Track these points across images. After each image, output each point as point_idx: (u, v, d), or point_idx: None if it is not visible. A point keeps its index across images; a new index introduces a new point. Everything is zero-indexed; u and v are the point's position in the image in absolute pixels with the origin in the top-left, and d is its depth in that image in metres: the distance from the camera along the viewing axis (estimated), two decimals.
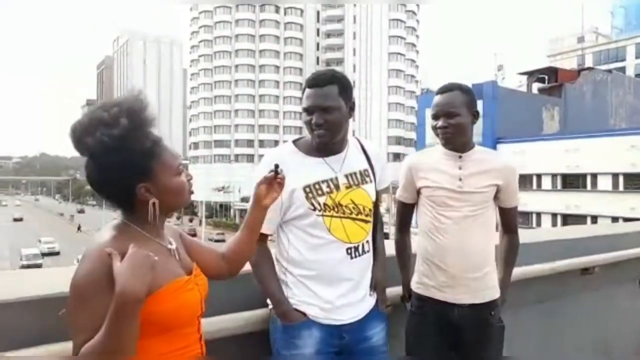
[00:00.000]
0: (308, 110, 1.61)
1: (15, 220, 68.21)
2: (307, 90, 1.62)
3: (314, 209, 1.59)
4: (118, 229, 1.14)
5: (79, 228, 56.48)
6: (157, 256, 1.08)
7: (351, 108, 1.64)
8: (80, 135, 1.10)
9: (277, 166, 1.39)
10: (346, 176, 1.66)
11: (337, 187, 1.63)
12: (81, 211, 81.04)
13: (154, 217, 1.14)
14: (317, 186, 1.61)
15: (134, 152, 1.10)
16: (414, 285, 1.91)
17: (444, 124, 1.80)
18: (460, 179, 1.81)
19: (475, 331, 1.80)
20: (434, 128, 1.84)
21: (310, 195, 1.60)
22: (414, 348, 1.87)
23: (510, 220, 1.97)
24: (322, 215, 1.60)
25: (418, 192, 1.91)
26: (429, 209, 1.86)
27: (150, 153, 1.13)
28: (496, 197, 1.87)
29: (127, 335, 0.99)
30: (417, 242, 1.93)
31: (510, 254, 1.98)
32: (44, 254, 36.62)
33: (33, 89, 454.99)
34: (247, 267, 1.62)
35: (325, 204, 1.60)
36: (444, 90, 1.84)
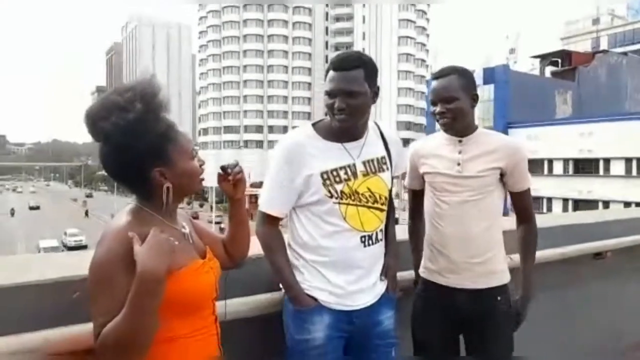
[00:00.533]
0: (331, 94, 1.55)
1: (32, 208, 64.81)
2: (332, 73, 1.55)
3: (331, 197, 1.57)
4: (133, 213, 1.15)
5: (86, 213, 57.24)
6: (173, 238, 1.11)
7: (375, 93, 1.59)
8: (95, 119, 1.10)
9: (224, 168, 1.35)
10: (364, 163, 1.63)
11: (355, 174, 1.60)
12: (89, 195, 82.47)
13: (167, 201, 1.15)
14: (334, 173, 1.58)
15: (150, 135, 1.10)
16: (420, 270, 1.91)
17: (442, 110, 1.77)
18: (459, 164, 1.78)
19: (480, 317, 1.78)
20: (433, 114, 1.82)
21: (327, 182, 1.57)
22: (419, 331, 1.87)
23: (523, 206, 1.89)
24: (339, 203, 1.57)
25: (423, 179, 1.89)
26: (430, 195, 1.85)
27: (165, 137, 1.13)
28: (503, 181, 1.82)
29: (148, 314, 1.01)
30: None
31: (526, 246, 1.89)
32: (70, 248, 33.86)
33: (44, 75, 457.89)
34: (260, 250, 1.63)
35: (342, 192, 1.58)
36: (440, 74, 1.80)
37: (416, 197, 1.97)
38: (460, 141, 1.81)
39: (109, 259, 1.03)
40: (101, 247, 1.06)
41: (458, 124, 1.79)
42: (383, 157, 1.69)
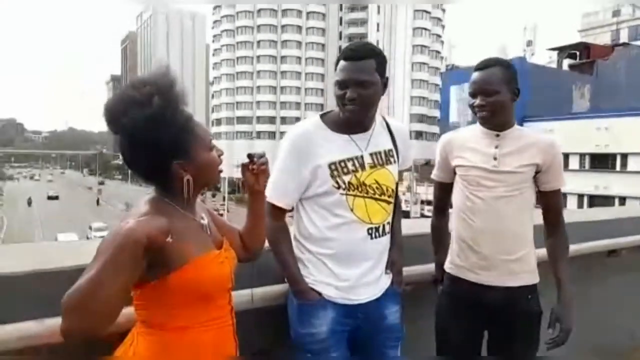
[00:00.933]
0: (342, 84, 1.53)
1: (50, 198, 60.69)
2: (343, 63, 1.53)
3: (338, 187, 1.57)
4: (153, 203, 1.16)
5: (97, 202, 57.34)
6: (193, 230, 1.15)
7: (385, 84, 1.58)
8: (114, 114, 1.10)
9: (250, 155, 1.34)
10: (371, 155, 1.62)
11: (362, 166, 1.60)
12: (101, 183, 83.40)
13: (188, 193, 1.15)
14: (342, 164, 1.58)
15: (169, 130, 1.10)
16: (447, 266, 1.87)
17: (481, 102, 1.72)
18: (495, 158, 1.74)
19: (508, 315, 1.74)
20: (472, 106, 1.76)
21: (335, 172, 1.57)
22: (443, 328, 1.85)
23: (554, 208, 1.82)
24: (346, 194, 1.57)
25: (454, 172, 1.85)
26: (462, 189, 1.80)
27: (184, 129, 1.14)
28: (536, 180, 1.76)
29: (112, 280, 0.96)
30: (452, 222, 1.89)
31: (561, 254, 1.81)
32: None
33: (60, 64, 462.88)
34: (266, 243, 1.65)
35: (349, 183, 1.57)
36: (483, 66, 1.74)
37: (444, 191, 1.93)
38: (497, 135, 1.76)
39: (124, 239, 0.97)
40: (121, 227, 1.00)
41: (497, 118, 1.74)
42: (390, 150, 1.68)
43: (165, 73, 1.15)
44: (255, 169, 1.33)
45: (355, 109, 1.53)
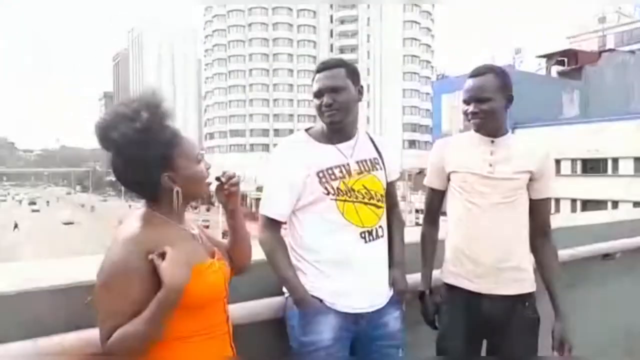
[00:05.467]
0: (318, 93, 1.65)
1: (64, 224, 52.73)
2: (317, 75, 1.67)
3: (328, 193, 1.61)
4: (144, 217, 1.19)
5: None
6: (184, 240, 1.19)
7: (359, 92, 1.68)
8: (105, 130, 1.15)
9: (218, 178, 1.35)
10: (357, 163, 1.68)
11: (349, 172, 1.65)
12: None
13: (177, 204, 1.19)
14: (330, 171, 1.63)
15: (157, 143, 1.15)
16: (443, 275, 1.86)
17: (475, 110, 1.73)
18: (490, 165, 1.74)
19: (506, 323, 1.73)
20: (465, 113, 1.77)
21: (323, 180, 1.62)
22: (442, 336, 1.83)
23: (543, 217, 1.81)
24: (336, 200, 1.61)
25: (448, 179, 1.84)
26: (457, 196, 1.79)
27: (171, 143, 1.18)
28: (529, 187, 1.76)
29: (163, 322, 1.08)
30: (446, 229, 1.87)
31: (553, 266, 1.80)
32: None
33: (51, 81, 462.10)
34: (263, 255, 1.64)
35: (338, 189, 1.62)
36: (476, 73, 1.75)
37: (436, 198, 1.92)
38: (492, 142, 1.76)
39: (121, 265, 1.08)
40: (114, 252, 1.11)
41: (490, 125, 1.75)
42: (375, 158, 1.73)
43: (153, 92, 1.21)
44: (227, 190, 1.35)
45: (333, 114, 1.62)
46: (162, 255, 1.09)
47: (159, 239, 1.12)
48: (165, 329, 1.10)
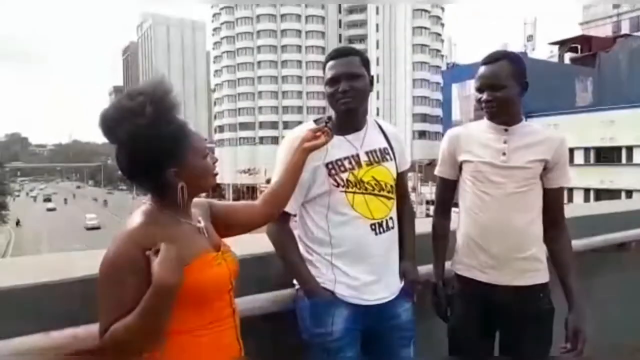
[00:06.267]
0: (334, 79, 1.61)
1: (90, 229, 41.48)
2: (331, 62, 1.63)
3: (337, 185, 1.60)
4: (148, 213, 1.18)
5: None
6: (187, 234, 1.19)
7: (371, 82, 1.66)
8: (110, 125, 1.14)
9: (327, 121, 1.53)
10: (367, 153, 1.66)
11: (359, 163, 1.64)
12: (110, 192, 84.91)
13: (182, 200, 1.18)
14: (339, 163, 1.62)
15: (162, 138, 1.13)
16: (455, 266, 1.84)
17: (488, 98, 1.69)
18: (504, 154, 1.70)
19: (520, 315, 1.70)
20: (478, 101, 1.73)
21: (332, 171, 1.61)
22: (454, 328, 1.82)
23: (557, 206, 1.77)
24: (345, 192, 1.60)
25: (460, 168, 1.81)
26: (470, 185, 1.76)
27: (177, 137, 1.17)
28: (542, 176, 1.72)
29: (159, 319, 1.07)
30: (458, 220, 1.84)
31: (568, 255, 1.76)
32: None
33: (62, 76, 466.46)
34: (270, 248, 1.65)
35: (347, 180, 1.61)
36: (490, 60, 1.71)
37: (447, 188, 1.89)
38: (506, 130, 1.72)
39: (120, 260, 1.08)
40: (113, 247, 1.11)
41: (504, 113, 1.71)
42: (385, 148, 1.71)
43: (159, 82, 1.18)
44: (328, 131, 1.54)
45: (349, 101, 1.60)
46: (158, 252, 1.08)
47: (159, 235, 1.11)
48: (166, 324, 1.09)
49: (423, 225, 2.05)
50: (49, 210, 63.05)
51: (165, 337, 1.12)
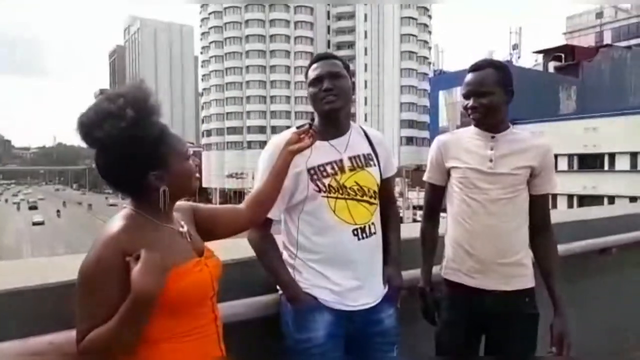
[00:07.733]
0: (317, 79, 1.62)
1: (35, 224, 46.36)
2: (315, 64, 1.66)
3: (319, 191, 1.59)
4: (128, 217, 1.15)
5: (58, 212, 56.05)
6: (169, 239, 1.16)
7: (352, 87, 1.69)
8: (89, 128, 1.10)
9: (310, 123, 1.53)
10: (350, 158, 1.66)
11: (342, 169, 1.63)
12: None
13: (164, 204, 1.16)
14: (321, 168, 1.61)
15: (143, 141, 1.11)
16: (443, 271, 1.85)
17: (474, 104, 1.71)
18: (491, 160, 1.73)
19: (507, 319, 1.72)
20: (465, 108, 1.76)
21: (315, 177, 1.60)
22: (440, 332, 1.83)
23: (543, 212, 1.79)
24: (327, 197, 1.60)
25: (448, 174, 1.83)
26: (457, 191, 1.78)
27: (158, 141, 1.15)
28: (529, 182, 1.75)
29: (134, 327, 1.05)
30: (445, 225, 1.86)
31: (552, 260, 1.79)
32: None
33: (48, 78, 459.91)
34: (252, 253, 1.63)
35: (329, 186, 1.60)
36: (476, 67, 1.74)
37: (435, 194, 1.90)
38: (493, 137, 1.75)
39: (99, 266, 1.05)
40: (93, 252, 1.08)
41: (490, 120, 1.73)
42: (369, 154, 1.71)
43: (139, 86, 1.17)
44: (313, 133, 1.56)
45: (333, 100, 1.60)
46: (139, 258, 1.05)
47: (139, 240, 1.08)
48: (144, 332, 1.07)
49: (409, 230, 2.05)
50: (36, 224, 50.41)
51: (145, 345, 1.09)
